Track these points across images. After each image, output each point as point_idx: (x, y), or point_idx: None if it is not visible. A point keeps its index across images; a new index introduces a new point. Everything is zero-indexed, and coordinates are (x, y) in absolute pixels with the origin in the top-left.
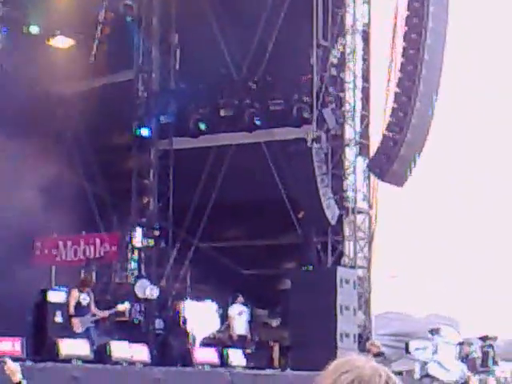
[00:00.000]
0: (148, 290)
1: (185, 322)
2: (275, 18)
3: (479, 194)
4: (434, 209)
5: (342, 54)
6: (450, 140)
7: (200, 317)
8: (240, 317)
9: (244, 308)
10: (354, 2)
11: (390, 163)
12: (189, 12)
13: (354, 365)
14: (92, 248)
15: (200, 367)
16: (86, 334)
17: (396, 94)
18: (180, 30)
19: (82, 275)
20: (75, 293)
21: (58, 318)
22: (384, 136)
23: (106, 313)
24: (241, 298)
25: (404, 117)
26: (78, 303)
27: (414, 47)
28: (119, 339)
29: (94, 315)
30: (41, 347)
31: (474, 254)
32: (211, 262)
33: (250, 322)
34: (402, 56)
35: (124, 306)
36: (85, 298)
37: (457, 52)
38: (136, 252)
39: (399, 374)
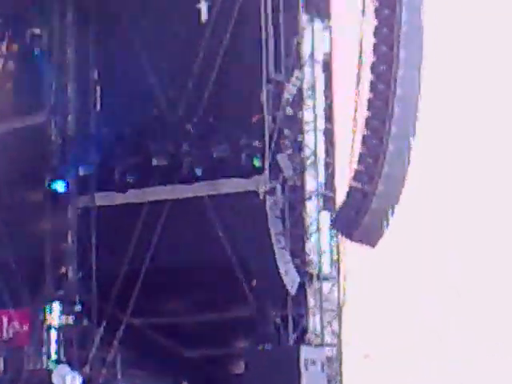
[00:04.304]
0: (69, 378)
1: None
2: (217, 47)
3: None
4: (418, 270)
5: (299, 89)
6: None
7: None
8: None
9: None
10: (312, 28)
11: (359, 218)
12: (111, 41)
13: None
14: None
15: None
16: None
17: (364, 136)
18: (101, 62)
19: None
20: None
21: None
22: (351, 187)
23: None
24: None
25: (374, 164)
26: None
27: (383, 80)
28: None
29: None
30: None
31: (475, 324)
32: (147, 342)
33: None
34: (370, 91)
35: None
36: None
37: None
38: (53, 332)
39: None
